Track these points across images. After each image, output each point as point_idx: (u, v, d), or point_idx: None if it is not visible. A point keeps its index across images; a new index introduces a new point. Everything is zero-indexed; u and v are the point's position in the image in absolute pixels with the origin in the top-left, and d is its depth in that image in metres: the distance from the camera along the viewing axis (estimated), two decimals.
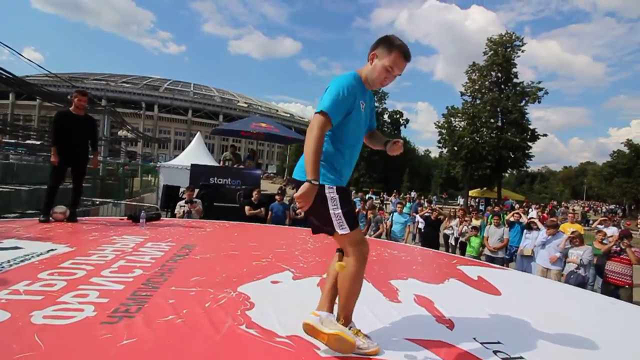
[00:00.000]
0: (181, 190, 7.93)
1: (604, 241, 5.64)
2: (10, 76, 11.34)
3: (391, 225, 7.33)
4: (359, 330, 1.64)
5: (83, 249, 2.90)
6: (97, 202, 8.29)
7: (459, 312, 2.24)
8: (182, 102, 67.15)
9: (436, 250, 5.55)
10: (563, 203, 29.87)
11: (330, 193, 1.55)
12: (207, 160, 14.82)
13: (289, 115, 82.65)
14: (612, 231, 6.89)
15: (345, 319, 1.65)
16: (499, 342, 1.85)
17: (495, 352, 1.74)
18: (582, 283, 4.83)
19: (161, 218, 5.00)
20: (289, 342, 1.63)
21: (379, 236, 7.31)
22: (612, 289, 4.83)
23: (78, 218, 4.26)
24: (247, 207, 6.52)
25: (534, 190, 51.63)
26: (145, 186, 16.35)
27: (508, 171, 31.62)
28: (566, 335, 2.06)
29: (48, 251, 2.77)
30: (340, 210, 1.54)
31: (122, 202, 9.38)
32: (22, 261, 2.47)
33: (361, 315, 2.05)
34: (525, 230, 6.25)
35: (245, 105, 75.36)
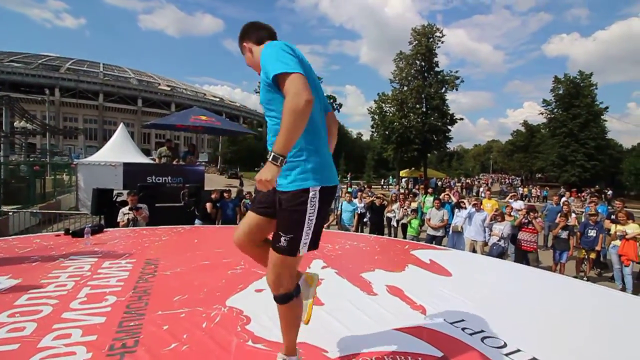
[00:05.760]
0: (115, 192, 7.23)
1: (512, 213, 6.77)
2: None
3: (340, 214, 7.73)
4: None
5: (32, 279, 2.59)
6: (10, 212, 6.99)
7: (426, 297, 2.61)
8: (90, 84, 58.81)
9: (388, 237, 6.07)
10: (464, 179, 34.49)
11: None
12: (135, 154, 13.53)
13: (217, 99, 77.95)
14: (518, 204, 8.30)
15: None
16: (463, 320, 2.24)
17: (463, 329, 2.11)
18: (501, 253, 5.79)
19: (104, 229, 4.57)
20: (298, 349, 1.77)
21: (328, 226, 7.66)
22: (523, 254, 5.92)
23: None
24: (209, 205, 6.43)
25: (452, 167, 57.92)
26: (59, 186, 14.29)
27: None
28: (507, 305, 2.56)
29: None
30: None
31: (38, 210, 8.12)
32: None
33: (349, 312, 2.28)
34: (455, 210, 7.15)
35: (168, 88, 68.84)
